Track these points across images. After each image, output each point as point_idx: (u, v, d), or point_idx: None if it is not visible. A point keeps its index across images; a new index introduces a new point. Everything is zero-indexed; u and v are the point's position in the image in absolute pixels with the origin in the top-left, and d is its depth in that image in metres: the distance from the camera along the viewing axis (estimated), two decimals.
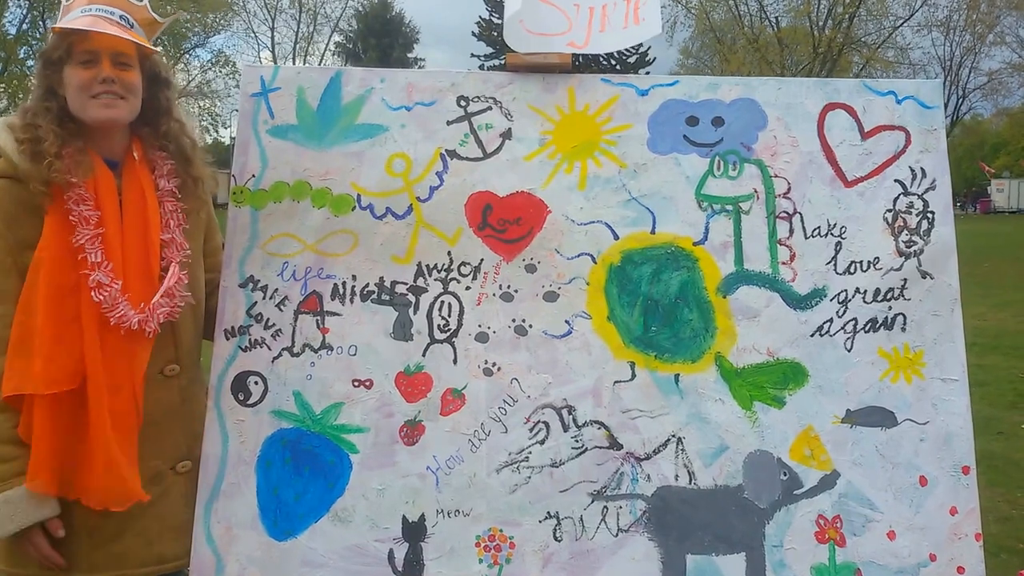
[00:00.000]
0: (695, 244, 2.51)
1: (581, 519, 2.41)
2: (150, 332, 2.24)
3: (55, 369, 2.13)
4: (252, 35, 49.15)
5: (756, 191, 2.53)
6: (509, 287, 2.49)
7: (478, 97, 2.57)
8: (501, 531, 2.41)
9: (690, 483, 2.43)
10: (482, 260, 2.50)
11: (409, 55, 50.58)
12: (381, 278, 2.49)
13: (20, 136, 2.19)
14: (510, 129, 2.55)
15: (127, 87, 2.26)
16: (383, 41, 48.36)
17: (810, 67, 36.23)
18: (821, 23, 37.95)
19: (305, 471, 2.43)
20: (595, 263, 2.50)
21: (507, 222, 2.51)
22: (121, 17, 2.25)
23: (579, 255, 2.50)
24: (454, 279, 2.50)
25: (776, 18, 39.42)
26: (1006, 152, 58.66)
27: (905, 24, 39.82)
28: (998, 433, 6.95)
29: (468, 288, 2.49)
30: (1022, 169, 53.52)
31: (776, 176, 2.54)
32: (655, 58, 36.83)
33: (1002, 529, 5.06)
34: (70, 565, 2.26)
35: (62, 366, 2.14)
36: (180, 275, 2.32)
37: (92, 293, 2.16)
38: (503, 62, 2.64)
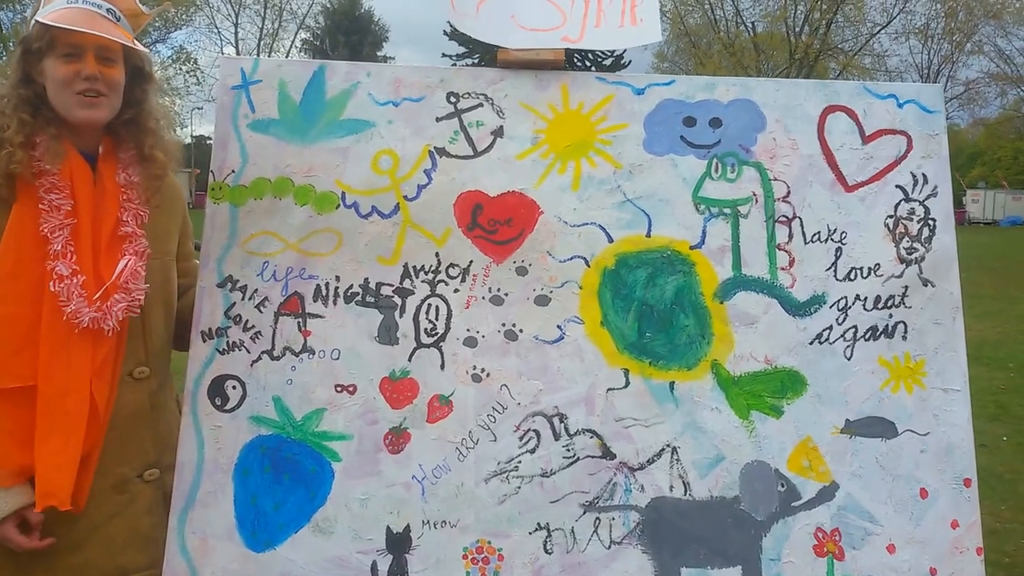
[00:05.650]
0: (692, 248, 2.44)
1: (572, 531, 2.34)
2: (109, 330, 2.12)
3: (11, 365, 2.05)
4: (215, 31, 48.60)
5: (755, 194, 2.46)
6: (499, 290, 2.41)
7: (469, 93, 2.48)
8: (489, 543, 2.33)
9: (685, 494, 2.36)
10: (471, 262, 2.41)
11: (379, 53, 49.80)
12: (366, 279, 2.40)
13: None
14: (502, 127, 2.47)
15: (109, 84, 2.17)
16: (352, 39, 47.63)
17: (786, 72, 36.51)
18: (798, 29, 38.29)
19: (285, 479, 2.33)
20: (588, 266, 2.42)
21: (498, 223, 2.43)
22: (108, 11, 2.15)
23: (572, 258, 2.42)
24: (442, 281, 2.41)
25: (752, 23, 39.76)
26: (982, 163, 59.41)
27: (883, 31, 40.27)
28: (981, 445, 6.88)
29: (456, 291, 2.41)
30: (998, 180, 54.15)
31: (775, 179, 2.47)
32: (630, 61, 36.49)
33: (987, 543, 4.97)
34: (27, 575, 2.16)
35: (20, 361, 2.06)
36: (135, 268, 2.19)
37: (50, 284, 2.06)
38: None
